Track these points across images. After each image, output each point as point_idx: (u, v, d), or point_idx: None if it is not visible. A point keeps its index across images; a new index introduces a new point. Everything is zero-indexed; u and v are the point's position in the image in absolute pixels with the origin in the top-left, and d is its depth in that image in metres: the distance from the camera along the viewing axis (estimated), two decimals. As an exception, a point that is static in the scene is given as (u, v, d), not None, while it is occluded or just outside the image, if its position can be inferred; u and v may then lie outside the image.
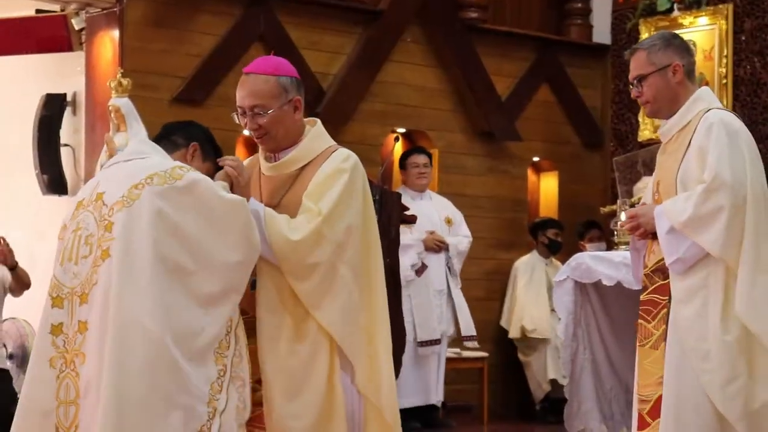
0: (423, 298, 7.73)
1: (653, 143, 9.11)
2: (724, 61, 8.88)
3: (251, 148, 8.40)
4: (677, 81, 4.12)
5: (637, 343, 4.21)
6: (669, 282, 4.05)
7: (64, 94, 7.80)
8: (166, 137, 3.65)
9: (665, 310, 4.05)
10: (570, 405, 6.31)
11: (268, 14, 8.09)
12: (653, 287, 4.15)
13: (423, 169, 8.11)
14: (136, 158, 3.48)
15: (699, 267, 3.97)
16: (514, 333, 8.82)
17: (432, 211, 8.04)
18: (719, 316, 3.91)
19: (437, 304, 7.80)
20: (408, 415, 7.68)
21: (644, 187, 8.55)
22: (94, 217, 3.35)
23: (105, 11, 7.57)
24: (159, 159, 3.49)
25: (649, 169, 8.81)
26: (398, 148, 8.42)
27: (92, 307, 3.25)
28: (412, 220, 7.09)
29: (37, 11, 7.85)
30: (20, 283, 6.83)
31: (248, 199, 3.53)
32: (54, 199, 7.84)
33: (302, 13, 8.27)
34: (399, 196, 7.01)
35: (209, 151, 3.68)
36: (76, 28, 7.68)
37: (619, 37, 9.52)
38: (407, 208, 7.00)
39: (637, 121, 9.33)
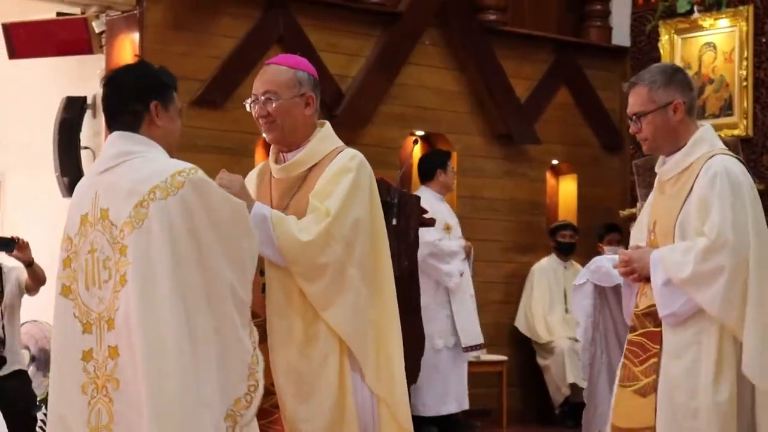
0: (463, 303, 7.72)
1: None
2: (745, 63, 8.84)
3: (269, 151, 8.42)
4: (678, 119, 4.03)
5: (618, 382, 4.14)
6: (661, 330, 3.99)
7: (85, 97, 7.83)
8: (124, 109, 3.39)
9: (656, 359, 3.99)
10: (588, 409, 6.29)
11: (288, 17, 8.11)
12: (643, 331, 4.07)
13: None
14: (128, 160, 3.32)
15: (692, 322, 3.91)
16: (534, 337, 8.81)
17: (453, 216, 8.04)
18: (711, 376, 3.86)
19: (473, 308, 7.79)
20: (427, 421, 7.68)
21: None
22: (107, 239, 3.26)
23: (125, 14, 7.61)
24: (152, 161, 3.32)
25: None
26: (416, 151, 8.42)
27: (119, 332, 3.22)
28: (431, 223, 7.09)
29: (58, 14, 7.89)
30: (36, 280, 6.86)
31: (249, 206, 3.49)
32: (74, 201, 7.87)
33: (321, 16, 8.29)
34: (418, 199, 7.00)
35: (167, 94, 3.42)
36: (97, 31, 7.71)
37: (639, 39, 9.50)
38: (426, 211, 6.99)
39: (657, 124, 9.29)
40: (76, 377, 3.28)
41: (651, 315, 4.04)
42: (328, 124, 3.84)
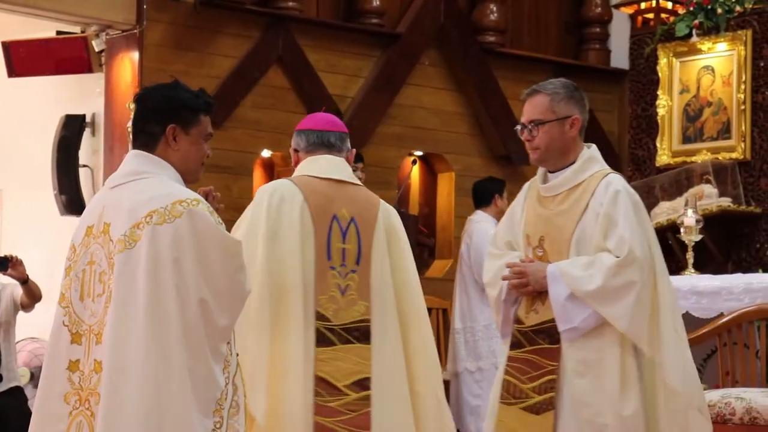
0: None
1: (671, 168, 9.10)
2: (743, 87, 8.86)
3: (268, 170, 8.43)
4: (572, 135, 4.08)
5: (500, 399, 4.07)
6: (559, 347, 3.95)
7: (84, 115, 7.84)
8: (142, 130, 3.40)
9: (553, 376, 3.95)
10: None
11: (287, 37, 8.13)
12: (535, 348, 4.02)
13: None
14: (137, 179, 3.35)
15: (592, 337, 3.91)
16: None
17: None
18: (617, 391, 3.86)
19: None
20: None
21: (662, 212, 8.56)
22: (104, 254, 3.28)
23: (125, 33, 7.63)
24: (159, 184, 3.34)
25: (668, 193, 8.84)
26: (415, 172, 8.43)
27: (104, 347, 3.22)
28: (430, 243, 7.11)
29: (58, 33, 7.90)
30: (31, 296, 6.86)
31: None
32: (72, 219, 7.86)
33: (321, 36, 8.31)
34: (416, 219, 7.02)
35: (189, 117, 3.39)
36: (96, 49, 7.73)
37: (638, 62, 9.52)
38: (425, 231, 7.01)
39: (655, 146, 9.32)
40: (59, 386, 3.29)
41: (544, 331, 4.00)
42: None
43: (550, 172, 4.14)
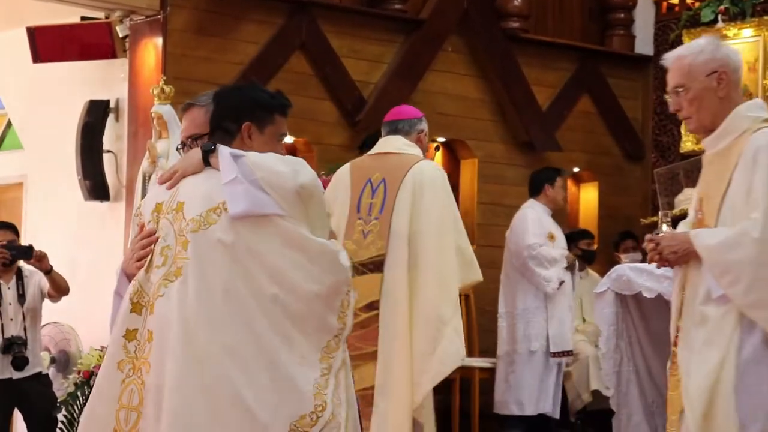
0: (559, 311, 7.85)
1: (695, 155, 9.04)
2: (768, 72, 8.81)
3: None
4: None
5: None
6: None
7: (108, 101, 7.87)
8: (218, 126, 3.49)
9: None
10: (618, 417, 6.29)
11: (310, 23, 8.12)
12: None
13: (566, 192, 8.24)
14: (212, 169, 3.41)
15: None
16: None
17: (559, 230, 8.14)
18: None
19: (570, 318, 7.93)
20: (518, 420, 7.86)
21: (686, 199, 8.51)
22: (174, 229, 3.33)
23: (149, 19, 7.64)
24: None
25: (692, 180, 8.78)
26: (438, 158, 8.42)
27: (156, 319, 3.26)
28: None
29: (82, 18, 7.92)
30: (56, 287, 6.90)
31: None
32: (96, 205, 7.90)
33: (344, 22, 8.30)
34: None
35: (264, 117, 3.50)
36: (120, 35, 7.74)
37: (662, 48, 9.45)
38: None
39: (679, 133, 9.27)
40: (115, 353, 3.33)
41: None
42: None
43: None
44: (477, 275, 5.28)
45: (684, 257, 3.85)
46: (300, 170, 3.37)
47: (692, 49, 3.94)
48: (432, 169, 5.37)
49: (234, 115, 3.48)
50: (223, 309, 3.24)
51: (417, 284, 5.06)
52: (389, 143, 5.47)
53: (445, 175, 5.44)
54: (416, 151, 5.42)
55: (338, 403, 3.30)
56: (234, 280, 3.25)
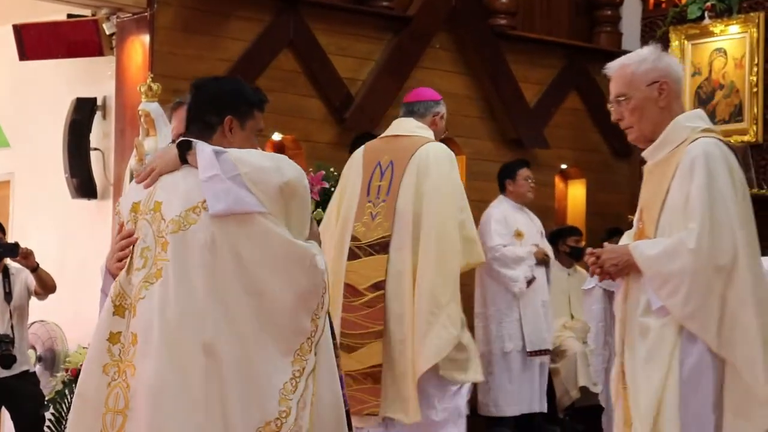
0: (532, 308, 7.80)
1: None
2: (755, 69, 8.83)
3: (279, 153, 8.42)
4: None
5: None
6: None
7: (95, 99, 7.85)
8: (199, 118, 3.44)
9: None
10: (607, 413, 6.30)
11: (298, 20, 8.11)
12: None
13: (532, 183, 8.14)
14: (191, 166, 3.37)
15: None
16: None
17: (531, 224, 8.07)
18: None
19: (544, 314, 7.87)
20: (499, 422, 7.84)
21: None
22: (152, 231, 3.30)
23: (136, 16, 7.62)
24: None
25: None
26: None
27: (139, 321, 3.25)
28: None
29: (69, 16, 7.90)
30: (43, 285, 6.88)
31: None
32: (83, 202, 7.89)
33: (332, 19, 8.29)
34: None
35: (246, 111, 3.45)
36: (107, 32, 7.72)
37: (649, 44, 9.47)
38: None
39: (667, 130, 9.28)
40: (99, 357, 3.32)
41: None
42: None
43: None
44: (480, 256, 5.35)
45: (625, 269, 3.82)
46: (284, 167, 3.35)
47: (634, 59, 3.96)
48: (438, 150, 5.42)
49: (215, 108, 3.42)
50: (203, 310, 3.22)
51: (418, 266, 5.20)
52: (401, 126, 5.57)
53: (453, 156, 5.49)
54: (427, 133, 5.50)
55: (302, 406, 3.28)
56: (214, 280, 3.23)
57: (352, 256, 5.27)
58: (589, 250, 3.93)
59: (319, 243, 3.47)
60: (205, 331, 3.21)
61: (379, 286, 5.21)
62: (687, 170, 3.75)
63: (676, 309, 3.69)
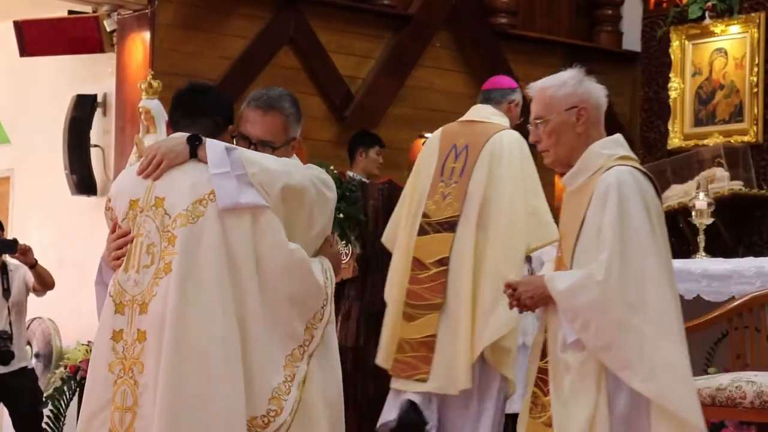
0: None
1: (683, 151, 9.08)
2: (756, 69, 8.83)
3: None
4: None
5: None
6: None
7: (95, 95, 7.85)
8: (206, 115, 3.48)
9: None
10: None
11: (299, 18, 8.11)
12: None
13: None
14: (195, 159, 3.38)
15: None
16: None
17: None
18: None
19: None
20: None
21: (673, 195, 8.55)
22: (155, 225, 3.30)
23: (136, 13, 7.62)
24: None
25: (679, 177, 8.81)
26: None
27: (152, 318, 3.25)
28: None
29: (70, 12, 7.90)
30: (41, 281, 6.89)
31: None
32: (83, 199, 7.89)
33: (332, 17, 8.29)
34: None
35: (232, 127, 3.60)
36: (108, 29, 7.72)
37: (650, 44, 9.48)
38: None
39: (667, 129, 9.29)
40: (104, 355, 3.32)
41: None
42: None
43: None
44: (550, 236, 5.36)
45: (541, 301, 3.77)
46: (293, 171, 3.37)
47: (555, 82, 3.91)
48: (511, 138, 5.60)
49: (225, 114, 3.53)
50: (213, 303, 3.23)
51: (485, 246, 5.40)
52: (478, 111, 5.77)
53: (524, 143, 5.58)
54: (502, 120, 5.68)
55: (295, 413, 3.29)
56: (222, 274, 3.24)
57: (422, 231, 5.52)
58: (506, 281, 3.87)
59: (337, 259, 3.50)
60: (215, 325, 3.22)
61: (444, 262, 5.45)
62: (600, 199, 3.69)
63: (589, 342, 3.62)
